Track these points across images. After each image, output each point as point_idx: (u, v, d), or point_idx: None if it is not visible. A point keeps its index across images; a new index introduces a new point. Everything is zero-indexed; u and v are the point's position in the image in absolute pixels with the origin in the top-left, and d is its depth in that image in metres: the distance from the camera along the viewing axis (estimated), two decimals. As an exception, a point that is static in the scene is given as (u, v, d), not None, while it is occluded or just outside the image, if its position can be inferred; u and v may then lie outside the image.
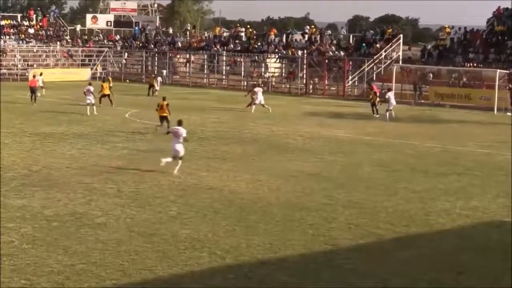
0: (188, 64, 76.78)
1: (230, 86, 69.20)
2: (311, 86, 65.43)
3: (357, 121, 43.22)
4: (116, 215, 18.74)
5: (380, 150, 31.55)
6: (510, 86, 53.92)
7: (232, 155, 29.10)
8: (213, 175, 24.46)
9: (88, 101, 41.92)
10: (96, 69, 76.52)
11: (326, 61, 66.77)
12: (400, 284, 14.24)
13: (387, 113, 44.02)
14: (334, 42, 72.80)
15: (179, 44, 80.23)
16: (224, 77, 73.30)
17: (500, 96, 51.77)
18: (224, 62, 74.93)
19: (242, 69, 71.83)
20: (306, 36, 74.37)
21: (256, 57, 72.21)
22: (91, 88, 42.57)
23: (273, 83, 68.37)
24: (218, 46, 76.56)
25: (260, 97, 46.63)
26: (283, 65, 72.49)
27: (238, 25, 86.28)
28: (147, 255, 15.39)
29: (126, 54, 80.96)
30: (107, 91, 45.72)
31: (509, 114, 49.87)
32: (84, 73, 73.83)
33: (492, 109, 50.94)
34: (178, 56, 78.75)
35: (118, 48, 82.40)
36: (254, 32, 79.22)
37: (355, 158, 29.12)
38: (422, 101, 56.04)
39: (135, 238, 16.61)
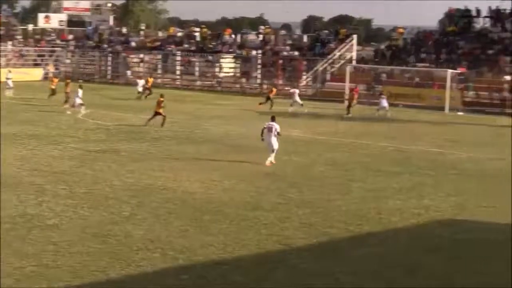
0: (142, 64, 76.33)
1: (184, 86, 68.90)
2: (265, 86, 65.44)
3: (312, 121, 43.35)
4: (68, 216, 18.53)
5: (334, 149, 31.68)
6: (462, 86, 54.52)
7: (186, 155, 28.98)
8: (167, 175, 24.32)
9: (79, 102, 42.50)
10: (48, 69, 75.69)
11: (280, 61, 66.86)
12: (353, 283, 14.29)
13: (378, 113, 46.85)
14: (289, 42, 72.93)
15: (133, 44, 79.72)
16: (178, 77, 73.00)
17: (452, 96, 52.32)
18: (178, 62, 74.63)
19: (196, 69, 71.62)
20: (261, 36, 74.41)
21: (210, 57, 72.06)
22: (80, 91, 43.07)
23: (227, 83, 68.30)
24: (172, 46, 76.23)
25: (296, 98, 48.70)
26: (238, 65, 72.42)
27: (192, 25, 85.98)
28: (100, 256, 15.24)
29: (79, 54, 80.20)
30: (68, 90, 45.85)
31: (460, 113, 50.42)
32: (37, 73, 73.01)
33: (443, 108, 51.43)
34: (132, 55, 78.23)
35: (71, 48, 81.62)
36: (209, 32, 79.04)
37: (309, 157, 29.18)
38: (376, 101, 56.29)
39: (87, 239, 16.44)
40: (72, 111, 42.15)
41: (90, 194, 21.14)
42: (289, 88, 54.72)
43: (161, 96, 38.44)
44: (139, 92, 55.00)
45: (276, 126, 26.68)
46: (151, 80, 57.31)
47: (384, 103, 47.85)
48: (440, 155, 31.25)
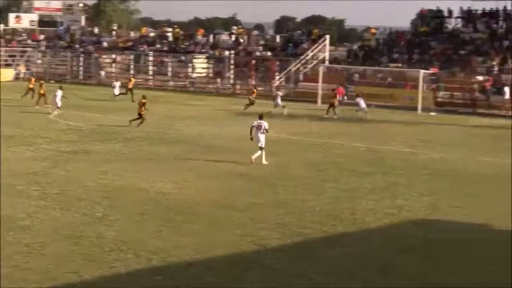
0: (114, 64, 76.03)
1: (157, 86, 68.66)
2: (238, 87, 65.43)
3: (285, 121, 43.34)
4: (40, 217, 18.41)
5: (308, 150, 31.73)
6: (434, 86, 54.81)
7: (159, 155, 28.90)
8: (140, 176, 24.24)
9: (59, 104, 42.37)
10: (19, 69, 75.17)
11: (253, 61, 66.88)
12: (328, 283, 14.32)
13: (358, 114, 46.97)
14: (261, 42, 72.97)
15: (105, 44, 79.37)
16: (150, 77, 72.77)
17: (424, 96, 52.56)
18: (150, 63, 74.39)
19: (169, 69, 71.46)
20: (233, 36, 74.39)
21: (183, 57, 71.91)
22: (59, 93, 42.86)
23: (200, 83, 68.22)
24: (144, 46, 75.99)
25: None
26: (210, 66, 72.34)
27: (165, 25, 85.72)
28: (72, 257, 15.15)
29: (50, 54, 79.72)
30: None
31: (432, 113, 50.68)
32: (8, 74, 72.44)
33: (416, 108, 51.66)
34: (104, 56, 77.88)
35: (43, 48, 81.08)
36: (181, 32, 78.88)
37: (283, 158, 29.19)
38: (349, 101, 56.37)
39: (60, 241, 16.34)
40: (54, 110, 41.92)
41: (63, 195, 21.01)
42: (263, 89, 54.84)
43: (143, 97, 38.30)
44: (116, 95, 54.18)
45: (264, 124, 27.54)
46: (132, 80, 56.90)
47: (362, 103, 47.96)
48: (413, 155, 31.40)
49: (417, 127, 43.25)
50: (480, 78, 55.60)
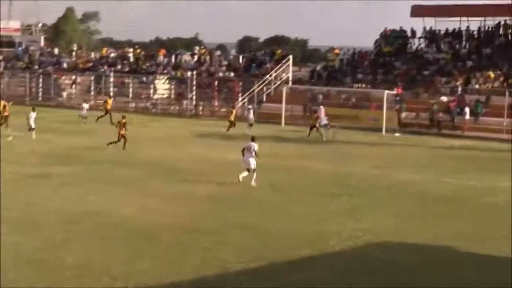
0: (74, 86, 75.66)
1: (118, 108, 68.49)
2: (200, 108, 65.45)
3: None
4: (0, 242, 18.28)
5: (273, 172, 31.79)
6: (398, 107, 55.25)
7: (121, 179, 28.82)
8: (102, 200, 24.18)
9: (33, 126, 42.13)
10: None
11: (216, 82, 67.01)
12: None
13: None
14: (224, 63, 73.14)
15: (65, 65, 79.05)
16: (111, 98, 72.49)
17: (388, 117, 52.97)
18: (111, 84, 74.18)
19: (130, 90, 71.29)
20: (196, 56, 74.51)
21: (145, 78, 71.81)
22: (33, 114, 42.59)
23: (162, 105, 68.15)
24: (105, 67, 75.80)
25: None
26: (172, 86, 72.30)
27: (126, 45, 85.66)
28: (33, 283, 15.09)
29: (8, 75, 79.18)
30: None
31: (397, 134, 51.09)
32: (-36, 95, 71.77)
33: (380, 129, 52.02)
34: (63, 77, 77.52)
35: (0, 69, 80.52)
36: (142, 52, 78.84)
37: (247, 180, 29.26)
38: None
39: (20, 266, 16.26)
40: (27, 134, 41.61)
41: (23, 220, 20.90)
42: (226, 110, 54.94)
43: (123, 117, 38.49)
44: (82, 117, 53.32)
45: (254, 146, 28.21)
46: (109, 101, 56.63)
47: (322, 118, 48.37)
48: (378, 177, 31.64)
49: (381, 148, 43.58)
50: (444, 98, 56.24)
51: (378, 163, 36.01)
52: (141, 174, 30.08)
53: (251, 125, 48.60)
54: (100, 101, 70.40)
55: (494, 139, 48.26)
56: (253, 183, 27.64)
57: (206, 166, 33.03)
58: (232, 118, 49.92)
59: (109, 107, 54.53)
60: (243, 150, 28.51)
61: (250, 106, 51.31)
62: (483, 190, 28.94)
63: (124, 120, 37.93)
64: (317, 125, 47.62)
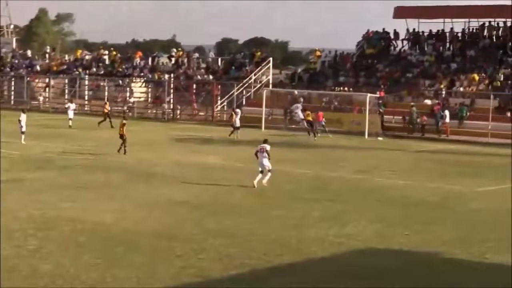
0: (47, 89, 75.31)
1: (94, 112, 68.26)
2: (178, 111, 65.35)
3: (228, 147, 43.43)
4: (-31, 250, 18.09)
5: (253, 176, 31.70)
6: (381, 110, 55.34)
7: (96, 184, 28.65)
8: (76, 206, 24.00)
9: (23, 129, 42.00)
10: None
11: (194, 85, 66.92)
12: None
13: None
14: (202, 65, 73.09)
15: (38, 68, 78.73)
16: (86, 102, 72.27)
17: (371, 121, 53.01)
18: (86, 87, 73.94)
19: (106, 93, 71.04)
20: (173, 59, 74.42)
21: (121, 81, 71.64)
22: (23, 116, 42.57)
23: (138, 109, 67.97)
24: (80, 70, 75.53)
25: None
26: (149, 90, 72.16)
27: (101, 47, 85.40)
28: (4, 293, 14.93)
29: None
30: None
31: (380, 138, 51.16)
32: None
33: (363, 133, 52.11)
34: (37, 80, 77.18)
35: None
36: (118, 55, 78.67)
37: (226, 185, 29.18)
38: (293, 126, 56.60)
39: (-10, 275, 16.07)
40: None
41: (-6, 227, 20.68)
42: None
43: (124, 118, 39.62)
44: (70, 119, 53.21)
45: (266, 147, 28.73)
46: (107, 105, 56.58)
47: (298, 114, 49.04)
48: (361, 181, 31.64)
49: (364, 152, 43.63)
50: (428, 101, 56.43)
51: (361, 167, 36.03)
52: (117, 179, 29.92)
53: (237, 128, 48.49)
54: (75, 105, 70.15)
55: (479, 143, 48.52)
56: (265, 182, 28.35)
57: (184, 171, 32.91)
58: (233, 121, 50.06)
59: (107, 110, 54.75)
60: (256, 153, 29.02)
61: (238, 110, 51.06)
62: (467, 195, 29.01)
63: (125, 122, 38.61)
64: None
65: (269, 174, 28.54)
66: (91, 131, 50.39)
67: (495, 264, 18.32)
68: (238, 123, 49.16)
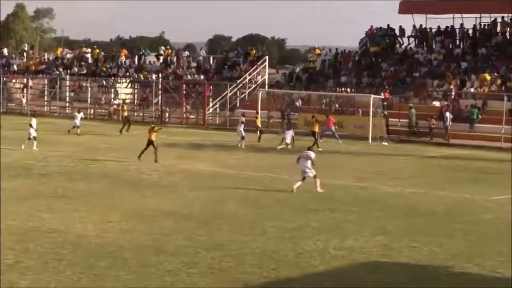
0: (25, 90, 75.34)
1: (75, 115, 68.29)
2: (167, 114, 65.40)
3: (220, 153, 43.48)
4: None
5: (246, 184, 31.81)
6: (386, 113, 55.31)
7: (78, 193, 28.69)
8: (56, 217, 24.03)
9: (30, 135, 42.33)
10: None
11: (184, 86, 67.00)
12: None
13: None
14: (193, 64, 73.18)
15: (15, 67, 78.77)
16: (67, 104, 72.33)
17: (375, 124, 52.95)
18: (67, 88, 73.97)
19: (89, 95, 71.10)
20: (161, 58, 74.52)
21: (105, 82, 71.72)
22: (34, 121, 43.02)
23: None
24: (60, 69, 75.58)
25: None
26: (136, 91, 72.24)
27: (83, 45, 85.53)
28: (-20, 310, 14.96)
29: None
30: None
31: (385, 143, 51.18)
32: None
33: (366, 138, 52.10)
34: (13, 80, 77.22)
35: None
36: (102, 53, 78.73)
37: (218, 193, 29.23)
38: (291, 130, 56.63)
39: (-35, 292, 16.13)
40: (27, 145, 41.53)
41: (-32, 240, 20.73)
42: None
43: (153, 127, 39.66)
44: (74, 127, 52.89)
45: (311, 154, 30.02)
46: (125, 108, 56.76)
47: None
48: (363, 189, 31.70)
49: (367, 158, 43.70)
50: (436, 103, 56.51)
51: (364, 174, 36.08)
52: (102, 187, 29.97)
53: (243, 138, 48.02)
54: (55, 107, 70.18)
55: (491, 148, 48.61)
56: (319, 189, 29.73)
57: (173, 178, 32.97)
58: (259, 124, 50.16)
59: (125, 114, 55.00)
60: (298, 159, 30.14)
61: (243, 119, 49.90)
62: (478, 204, 29.06)
63: (155, 128, 39.36)
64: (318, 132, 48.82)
65: (318, 180, 29.79)
66: (72, 135, 50.41)
67: (508, 279, 18.37)
68: (242, 133, 48.46)
